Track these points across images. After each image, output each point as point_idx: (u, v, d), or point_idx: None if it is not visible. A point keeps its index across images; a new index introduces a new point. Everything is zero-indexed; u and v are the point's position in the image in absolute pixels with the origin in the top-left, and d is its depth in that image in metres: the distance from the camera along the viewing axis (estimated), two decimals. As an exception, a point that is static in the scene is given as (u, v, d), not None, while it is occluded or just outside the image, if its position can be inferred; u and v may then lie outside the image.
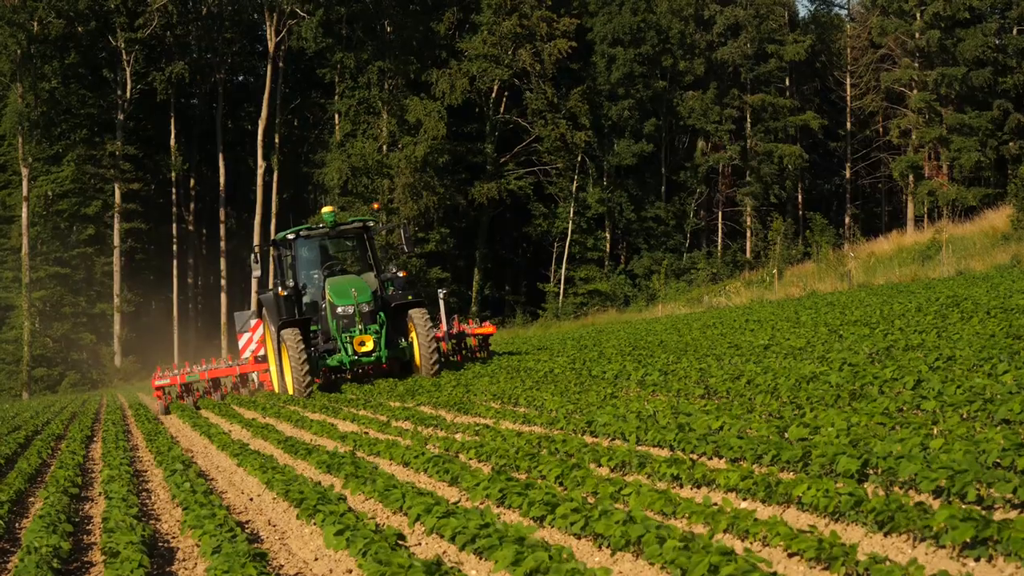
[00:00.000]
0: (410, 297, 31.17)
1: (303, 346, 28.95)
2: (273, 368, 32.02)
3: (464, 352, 35.13)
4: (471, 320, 38.11)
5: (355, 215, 62.48)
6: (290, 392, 29.72)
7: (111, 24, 77.96)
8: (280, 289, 30.91)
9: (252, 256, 32.61)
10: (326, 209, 31.70)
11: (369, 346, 29.53)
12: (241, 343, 36.43)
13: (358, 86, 77.87)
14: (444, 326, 33.80)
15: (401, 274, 31.82)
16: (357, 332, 29.69)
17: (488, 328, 35.49)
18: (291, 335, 29.01)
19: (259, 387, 35.23)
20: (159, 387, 34.48)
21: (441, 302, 34.51)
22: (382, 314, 29.95)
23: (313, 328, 30.72)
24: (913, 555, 8.13)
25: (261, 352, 35.01)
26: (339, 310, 29.82)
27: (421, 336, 29.32)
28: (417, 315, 29.71)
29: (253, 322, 35.87)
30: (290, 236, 31.19)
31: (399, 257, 61.40)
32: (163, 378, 34.60)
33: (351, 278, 30.60)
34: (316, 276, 31.65)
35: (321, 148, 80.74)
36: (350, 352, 29.80)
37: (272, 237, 32.01)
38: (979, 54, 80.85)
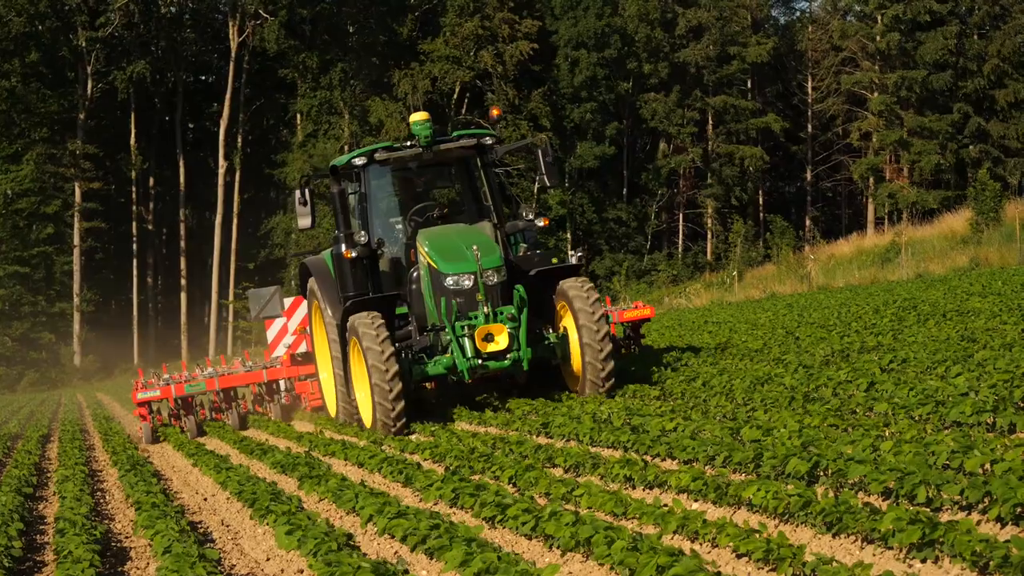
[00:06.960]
0: (555, 260, 19.83)
1: (389, 343, 17.41)
2: (327, 377, 20.45)
3: None
4: (608, 299, 25.87)
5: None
6: (367, 423, 18.28)
7: (72, 23, 77.56)
8: (344, 247, 18.64)
9: (298, 194, 19.47)
10: (418, 116, 19.43)
11: (502, 341, 17.45)
12: (270, 334, 25.24)
13: (320, 87, 77.79)
14: None
15: (542, 222, 19.99)
16: (481, 319, 17.62)
17: (643, 311, 24.98)
18: (367, 324, 17.42)
19: (297, 402, 24.04)
20: (143, 402, 23.36)
21: None
22: (520, 288, 18.00)
23: (398, 311, 19.26)
24: (860, 556, 8.19)
25: (301, 348, 23.53)
26: (448, 281, 17.93)
27: (585, 326, 17.73)
28: (575, 289, 18.07)
29: (288, 301, 24.85)
30: (358, 161, 19.11)
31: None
32: (149, 388, 23.46)
33: (461, 228, 19.23)
34: (399, 226, 20.08)
35: (283, 148, 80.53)
36: (469, 352, 17.53)
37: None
38: (939, 58, 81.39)
